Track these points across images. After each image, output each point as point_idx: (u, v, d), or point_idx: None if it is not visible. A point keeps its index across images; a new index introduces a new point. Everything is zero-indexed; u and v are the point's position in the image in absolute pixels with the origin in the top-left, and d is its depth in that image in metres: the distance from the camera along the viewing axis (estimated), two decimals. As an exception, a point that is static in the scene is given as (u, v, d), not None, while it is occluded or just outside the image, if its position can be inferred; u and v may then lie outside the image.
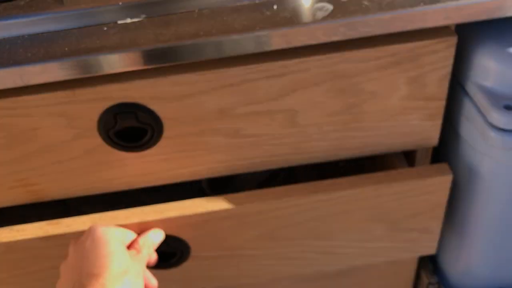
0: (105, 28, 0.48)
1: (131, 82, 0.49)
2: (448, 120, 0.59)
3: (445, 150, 0.62)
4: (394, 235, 0.62)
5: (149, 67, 0.47)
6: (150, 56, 0.47)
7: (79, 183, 0.56)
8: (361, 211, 0.59)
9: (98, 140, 0.53)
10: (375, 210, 0.59)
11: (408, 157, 0.63)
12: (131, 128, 0.52)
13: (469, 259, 0.67)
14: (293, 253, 0.62)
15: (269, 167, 0.58)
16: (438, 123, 0.56)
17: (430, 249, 0.65)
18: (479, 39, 0.52)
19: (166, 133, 0.53)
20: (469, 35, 0.52)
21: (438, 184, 0.57)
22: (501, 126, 0.49)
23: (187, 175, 0.57)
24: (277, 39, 0.47)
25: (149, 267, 0.55)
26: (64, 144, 0.53)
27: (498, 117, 0.49)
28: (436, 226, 0.62)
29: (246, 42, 0.47)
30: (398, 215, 0.60)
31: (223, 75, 0.49)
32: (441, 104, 0.54)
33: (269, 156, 0.56)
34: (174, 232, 0.57)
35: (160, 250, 0.56)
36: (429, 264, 0.73)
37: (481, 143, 0.53)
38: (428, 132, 0.57)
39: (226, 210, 0.56)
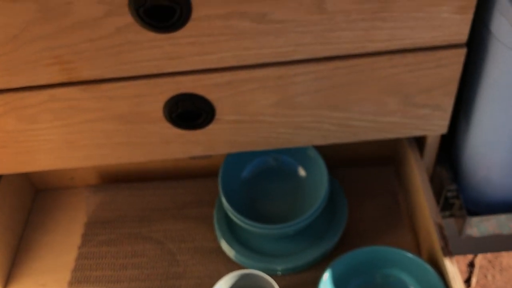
0: None
1: (162, -44, 0.49)
2: (480, 17, 0.58)
3: (475, 51, 0.61)
4: (407, 110, 0.63)
5: None
6: None
7: (110, 64, 0.58)
8: (376, 82, 0.60)
9: (129, 19, 0.54)
10: (389, 81, 0.60)
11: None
12: (161, 7, 0.52)
13: (490, 166, 0.67)
14: (310, 123, 0.65)
15: (294, 58, 0.58)
16: (469, 17, 0.55)
17: (441, 128, 0.65)
18: None
19: (194, 14, 0.54)
20: None
21: (451, 57, 0.57)
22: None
23: (215, 61, 0.58)
24: None
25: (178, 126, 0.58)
26: (96, 21, 0.54)
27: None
28: (448, 103, 0.62)
29: None
30: (412, 89, 0.61)
31: (252, -49, 0.49)
32: (474, -5, 0.53)
33: (295, 45, 0.57)
34: (201, 92, 0.59)
35: (187, 110, 0.59)
36: (449, 172, 0.73)
37: None
38: (457, 26, 0.56)
39: (248, 72, 0.57)
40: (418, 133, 0.68)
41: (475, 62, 0.62)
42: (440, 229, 0.64)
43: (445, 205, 0.76)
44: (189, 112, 0.63)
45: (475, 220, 0.71)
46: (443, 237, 0.64)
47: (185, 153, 0.69)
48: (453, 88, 0.62)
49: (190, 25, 0.54)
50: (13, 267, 0.79)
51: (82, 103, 0.62)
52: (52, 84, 0.60)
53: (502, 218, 0.70)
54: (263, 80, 0.60)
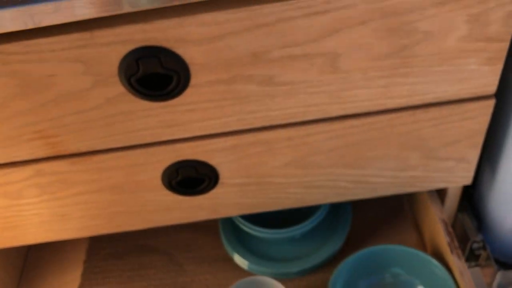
0: (124, -40, 0.43)
1: (154, 22, 0.43)
2: (508, 65, 0.53)
3: (502, 99, 0.56)
4: (430, 164, 0.58)
5: (174, 4, 0.42)
6: (175, -9, 0.41)
7: (101, 135, 0.52)
8: (396, 138, 0.55)
9: (119, 88, 0.48)
10: (410, 136, 0.55)
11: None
12: (156, 74, 0.47)
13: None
14: (323, 182, 0.59)
15: (305, 119, 0.53)
16: (498, 67, 0.49)
17: (466, 179, 0.61)
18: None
19: (194, 80, 0.48)
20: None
21: (479, 109, 0.52)
22: None
23: (217, 127, 0.53)
24: (320, -31, 0.41)
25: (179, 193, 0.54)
26: (83, 92, 0.48)
27: None
28: (474, 155, 0.57)
29: (284, -26, 0.41)
30: (435, 143, 0.56)
31: (256, 13, 0.43)
32: (505, 46, 0.47)
33: (305, 106, 0.51)
34: (203, 157, 0.54)
35: (188, 176, 0.54)
36: (474, 222, 0.68)
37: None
38: (486, 78, 0.50)
39: (254, 135, 0.53)
40: (440, 185, 0.62)
41: (501, 110, 0.56)
42: (445, 225, 0.62)
43: (470, 256, 0.70)
44: (191, 178, 0.57)
45: (505, 272, 0.65)
46: (449, 233, 0.62)
47: (188, 218, 0.63)
48: (479, 140, 0.56)
49: (189, 91, 0.49)
50: (19, 287, 0.75)
51: (72, 176, 0.56)
52: (37, 159, 0.54)
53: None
54: (271, 142, 0.55)
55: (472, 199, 0.70)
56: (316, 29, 0.45)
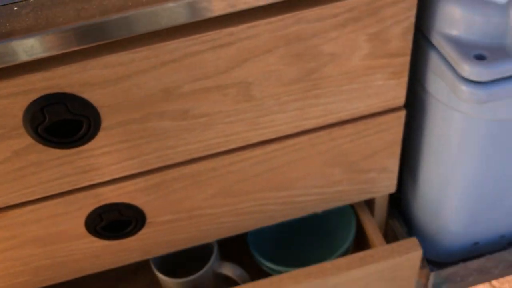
0: (16, 8, 0.41)
1: (55, 69, 0.42)
2: (415, 77, 0.55)
3: (414, 110, 0.58)
4: (353, 177, 0.59)
5: (74, 49, 0.40)
6: (73, 36, 0.40)
7: (14, 189, 0.49)
8: (317, 157, 0.56)
9: (27, 139, 0.46)
10: (331, 154, 0.56)
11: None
12: (65, 120, 0.45)
13: (443, 216, 0.64)
14: (253, 207, 0.59)
15: (226, 148, 0.52)
16: (403, 80, 0.51)
17: (390, 188, 0.63)
18: (440, -16, 0.47)
19: (105, 122, 0.46)
20: (429, -19, 0.48)
21: (391, 121, 0.54)
22: (473, 78, 0.45)
23: (136, 166, 0.51)
24: (219, 3, 0.41)
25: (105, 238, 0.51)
26: (-13, 147, 0.45)
27: (469, 69, 0.44)
28: (393, 164, 0.59)
29: (184, 10, 0.40)
30: (355, 157, 0.57)
31: (161, 50, 0.43)
32: (406, 60, 0.50)
33: (225, 135, 0.51)
34: (126, 199, 0.52)
35: (114, 220, 0.52)
36: (404, 227, 0.70)
37: (451, 98, 0.49)
38: (394, 91, 0.52)
39: (177, 170, 0.51)
40: (367, 196, 0.64)
41: (415, 121, 0.59)
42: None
43: (404, 260, 0.72)
44: (116, 222, 0.55)
45: (440, 272, 0.67)
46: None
47: (119, 262, 0.61)
48: (396, 149, 0.58)
49: (101, 134, 0.47)
50: None
51: (-13, 235, 0.53)
52: None
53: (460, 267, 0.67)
54: (196, 175, 0.54)
55: (400, 205, 0.72)
56: (224, 61, 0.45)
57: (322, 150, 0.56)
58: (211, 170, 0.54)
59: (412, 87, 0.56)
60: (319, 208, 0.63)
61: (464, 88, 0.46)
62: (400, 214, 0.72)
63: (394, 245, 0.61)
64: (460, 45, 0.46)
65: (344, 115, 0.53)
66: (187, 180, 0.54)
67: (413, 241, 0.61)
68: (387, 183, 0.62)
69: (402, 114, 0.55)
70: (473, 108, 0.49)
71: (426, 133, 0.57)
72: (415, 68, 0.53)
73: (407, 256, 0.60)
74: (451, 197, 0.61)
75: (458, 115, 0.51)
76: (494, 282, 1.12)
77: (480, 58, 0.45)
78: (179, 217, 0.58)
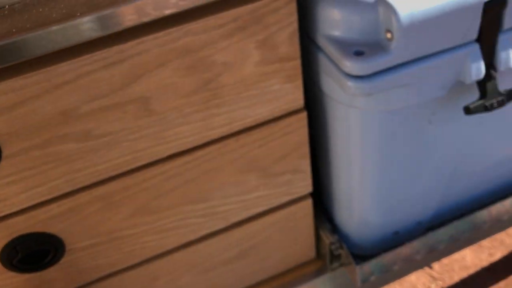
0: None
1: None
2: (311, 79, 0.58)
3: (315, 111, 0.61)
4: (269, 182, 0.61)
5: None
6: (-41, 66, 0.40)
7: None
8: (230, 165, 0.57)
9: None
10: (242, 160, 0.57)
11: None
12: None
13: (360, 210, 0.67)
14: (174, 223, 0.59)
15: (136, 165, 0.53)
16: (299, 83, 0.54)
17: (306, 188, 0.65)
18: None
19: (6, 151, 0.46)
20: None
21: (295, 123, 0.57)
22: (355, 73, 0.48)
23: (46, 193, 0.51)
24: (105, 22, 0.42)
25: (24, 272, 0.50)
26: None
27: (351, 65, 0.48)
28: (305, 164, 0.62)
29: (70, 31, 0.42)
30: (267, 161, 0.59)
31: (52, 73, 0.44)
32: (297, 63, 0.53)
33: (132, 153, 0.52)
34: (40, 228, 0.52)
35: (30, 251, 0.51)
36: (327, 225, 0.72)
37: (342, 95, 0.52)
38: (292, 94, 0.55)
39: (89, 193, 0.52)
40: (286, 199, 0.66)
41: (318, 121, 0.62)
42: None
43: (332, 258, 0.74)
44: (33, 252, 0.54)
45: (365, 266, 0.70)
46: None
47: (43, 295, 0.60)
48: (305, 150, 0.61)
49: (4, 164, 0.47)
50: None
51: None
52: None
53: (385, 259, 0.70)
54: (109, 196, 0.54)
55: (323, 204, 0.75)
56: (118, 78, 0.46)
57: (233, 158, 0.57)
58: (123, 190, 0.54)
59: (310, 89, 0.59)
60: (241, 217, 0.64)
61: (349, 83, 0.49)
62: (322, 213, 0.74)
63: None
64: (341, 44, 0.49)
65: (248, 122, 0.55)
66: (101, 202, 0.54)
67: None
68: (303, 183, 0.65)
69: (304, 115, 0.58)
70: (364, 102, 0.52)
71: (330, 132, 0.60)
72: (309, 70, 0.56)
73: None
74: (363, 191, 0.64)
75: (352, 111, 0.54)
76: (433, 273, 1.16)
77: (359, 54, 0.48)
78: (99, 241, 0.57)
